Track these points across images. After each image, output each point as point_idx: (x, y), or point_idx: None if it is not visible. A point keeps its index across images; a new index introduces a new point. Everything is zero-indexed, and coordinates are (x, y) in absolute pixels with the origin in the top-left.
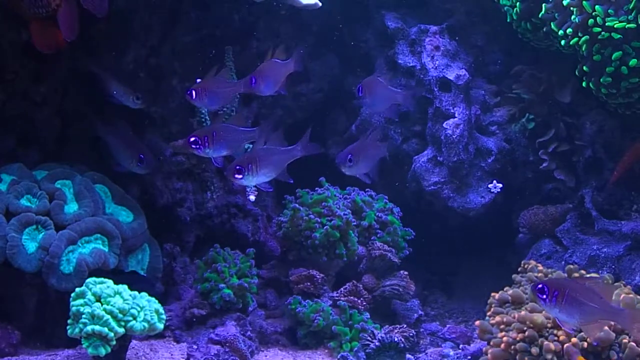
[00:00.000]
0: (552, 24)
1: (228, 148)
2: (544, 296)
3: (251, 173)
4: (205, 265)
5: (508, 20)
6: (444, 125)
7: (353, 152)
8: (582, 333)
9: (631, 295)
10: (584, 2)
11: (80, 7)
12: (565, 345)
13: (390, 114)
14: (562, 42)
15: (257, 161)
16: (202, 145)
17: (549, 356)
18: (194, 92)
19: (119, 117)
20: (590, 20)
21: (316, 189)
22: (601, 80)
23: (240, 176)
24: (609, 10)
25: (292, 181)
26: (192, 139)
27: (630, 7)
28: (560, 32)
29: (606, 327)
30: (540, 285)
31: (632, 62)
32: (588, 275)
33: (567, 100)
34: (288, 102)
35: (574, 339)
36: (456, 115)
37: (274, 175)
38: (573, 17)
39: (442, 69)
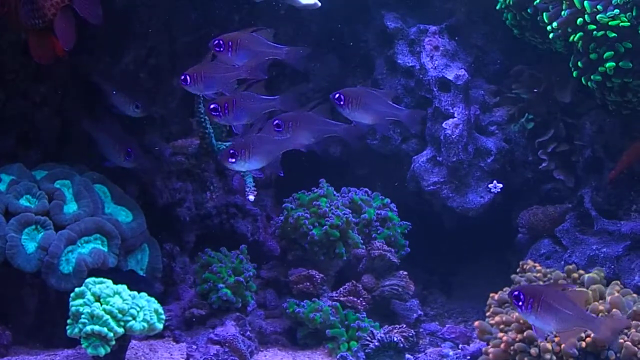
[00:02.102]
0: (544, 14)
1: (249, 116)
2: (520, 303)
3: (243, 159)
4: (201, 269)
5: (497, 7)
6: (443, 125)
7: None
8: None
9: (618, 295)
10: None
11: (76, 15)
12: (562, 346)
13: (381, 129)
14: (551, 36)
15: (250, 147)
16: (222, 112)
17: (547, 356)
18: (188, 77)
19: (119, 116)
20: (579, 19)
21: (313, 189)
22: (592, 77)
23: (234, 160)
24: (598, 6)
25: (282, 174)
26: (212, 106)
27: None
28: (549, 27)
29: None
30: (516, 292)
31: (609, 64)
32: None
33: (567, 100)
34: None
35: (572, 339)
36: (455, 115)
37: (265, 163)
38: (563, 12)
39: (442, 69)
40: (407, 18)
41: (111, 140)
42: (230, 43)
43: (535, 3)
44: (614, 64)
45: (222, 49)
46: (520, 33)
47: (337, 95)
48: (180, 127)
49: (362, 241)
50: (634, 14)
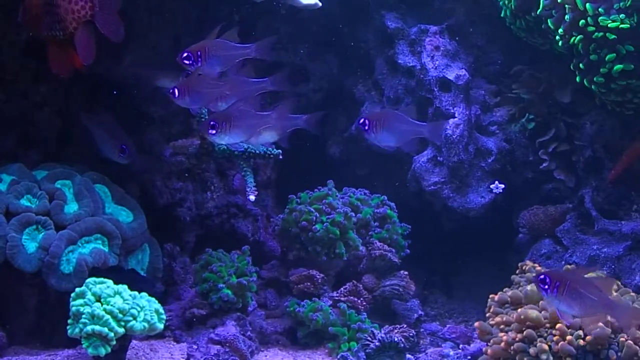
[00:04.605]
0: (549, 21)
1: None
2: (546, 286)
3: (224, 131)
4: (201, 268)
5: (502, 15)
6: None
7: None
8: (578, 332)
9: (616, 295)
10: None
11: (97, 31)
12: (560, 344)
13: (408, 148)
14: (560, 43)
15: (231, 120)
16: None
17: (544, 356)
18: (176, 91)
19: (117, 113)
20: (582, 21)
21: (319, 188)
22: (594, 79)
23: (214, 131)
24: (599, 9)
25: (260, 151)
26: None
27: (627, 4)
28: (557, 35)
29: (601, 324)
30: (542, 276)
31: (617, 67)
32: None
33: (567, 100)
34: None
35: (569, 337)
36: (456, 115)
37: (244, 138)
38: (566, 15)
39: (442, 69)
40: (407, 18)
41: (107, 135)
42: (199, 53)
43: (538, 12)
44: (621, 66)
45: (191, 61)
46: (522, 35)
47: (361, 121)
48: (181, 127)
49: (361, 242)
50: (635, 20)
